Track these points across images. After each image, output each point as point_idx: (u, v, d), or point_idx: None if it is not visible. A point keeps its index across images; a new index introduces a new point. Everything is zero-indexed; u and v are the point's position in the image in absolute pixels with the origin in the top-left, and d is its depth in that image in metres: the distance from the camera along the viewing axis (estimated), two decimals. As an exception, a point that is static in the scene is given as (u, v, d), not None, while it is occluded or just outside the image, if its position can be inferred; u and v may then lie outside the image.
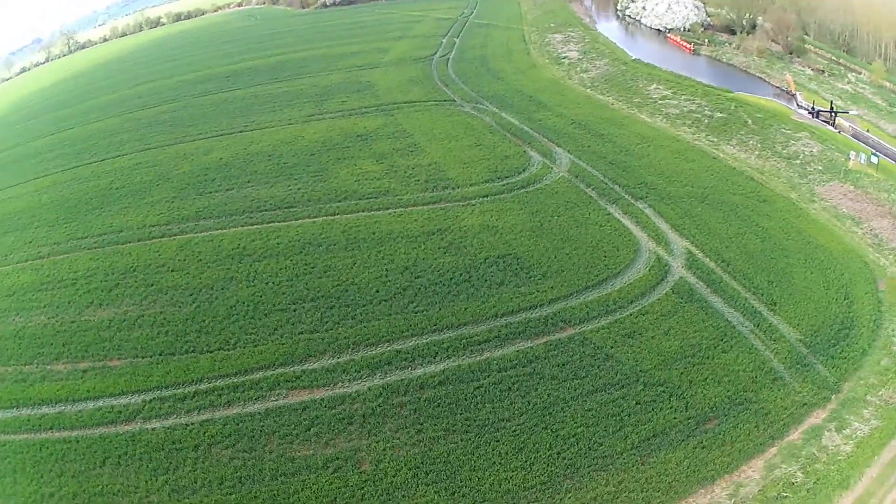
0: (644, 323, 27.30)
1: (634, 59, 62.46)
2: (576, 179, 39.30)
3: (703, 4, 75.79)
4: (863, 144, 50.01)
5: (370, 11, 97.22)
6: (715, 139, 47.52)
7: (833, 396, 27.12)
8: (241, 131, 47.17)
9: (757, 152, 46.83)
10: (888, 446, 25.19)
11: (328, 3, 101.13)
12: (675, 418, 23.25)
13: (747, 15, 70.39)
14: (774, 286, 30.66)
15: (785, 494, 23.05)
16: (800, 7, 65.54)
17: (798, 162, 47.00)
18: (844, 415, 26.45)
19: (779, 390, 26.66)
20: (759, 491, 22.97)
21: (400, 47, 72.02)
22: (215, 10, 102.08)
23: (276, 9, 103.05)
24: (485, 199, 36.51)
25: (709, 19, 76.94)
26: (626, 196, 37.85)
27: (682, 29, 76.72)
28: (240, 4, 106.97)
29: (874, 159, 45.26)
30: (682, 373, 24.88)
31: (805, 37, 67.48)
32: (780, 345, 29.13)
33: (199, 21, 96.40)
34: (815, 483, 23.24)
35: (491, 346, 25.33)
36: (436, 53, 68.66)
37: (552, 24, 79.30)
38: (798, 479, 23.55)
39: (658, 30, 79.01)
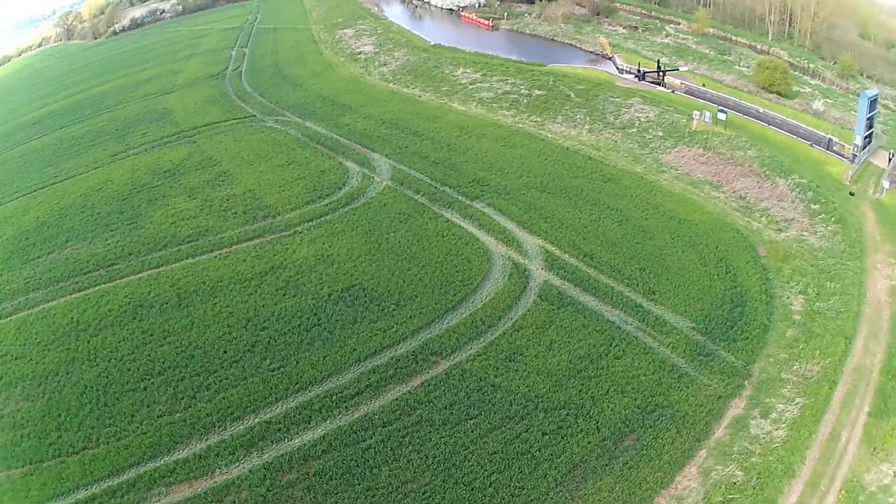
0: (521, 341, 39.69)
1: (434, 45, 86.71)
2: (402, 187, 55.65)
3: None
4: (706, 102, 77.22)
5: (158, 33, 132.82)
6: (539, 119, 68.81)
7: (746, 382, 40.66)
8: (52, 183, 63.82)
9: (587, 127, 68.02)
10: (823, 421, 38.50)
11: (117, 31, 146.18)
12: (590, 443, 33.84)
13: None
14: (647, 273, 48.97)
15: (731, 497, 33.52)
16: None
17: (635, 131, 70.33)
18: (765, 399, 39.66)
19: (688, 388, 39.48)
20: (703, 499, 33.03)
21: (191, 67, 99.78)
22: (19, 55, 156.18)
23: (71, 44, 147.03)
24: (311, 223, 51.36)
25: None
26: (461, 197, 53.92)
27: (477, 5, 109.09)
28: (40, 45, 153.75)
29: (721, 116, 71.48)
30: (580, 391, 36.49)
31: None
32: (673, 338, 43.09)
33: (5, 68, 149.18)
34: (757, 478, 34.66)
35: (365, 397, 35.92)
36: (228, 67, 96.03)
37: (340, 19, 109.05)
38: (739, 478, 34.58)
39: (450, 9, 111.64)
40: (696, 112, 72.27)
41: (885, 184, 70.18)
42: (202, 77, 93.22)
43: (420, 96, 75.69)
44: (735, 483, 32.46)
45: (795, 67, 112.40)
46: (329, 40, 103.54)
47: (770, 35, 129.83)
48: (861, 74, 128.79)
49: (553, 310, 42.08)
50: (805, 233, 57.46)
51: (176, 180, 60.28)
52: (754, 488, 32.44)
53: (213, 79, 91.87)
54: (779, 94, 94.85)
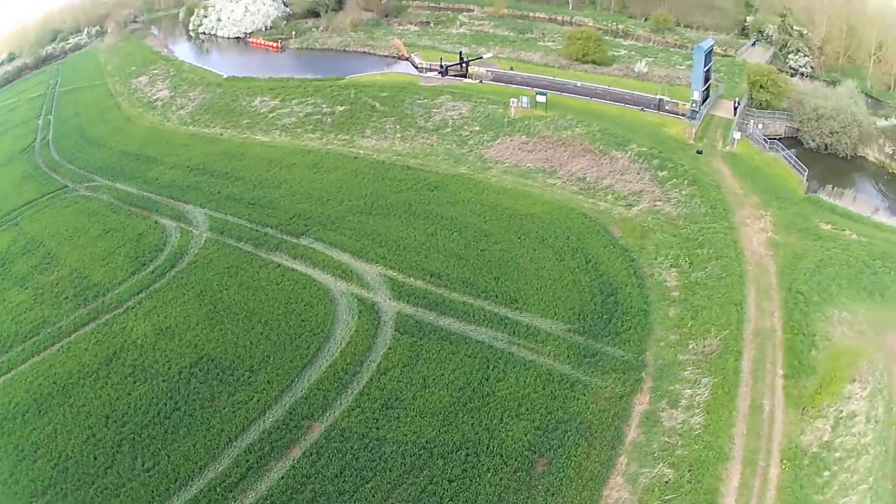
0: (393, 384, 50.31)
1: (227, 78, 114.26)
2: (223, 237, 70.15)
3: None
4: (519, 87, 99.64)
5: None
6: (347, 136, 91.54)
7: (644, 374, 52.56)
8: None
9: (399, 135, 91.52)
10: (739, 396, 50.55)
11: None
12: (501, 479, 43.36)
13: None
14: (503, 281, 61.91)
15: (668, 497, 43.22)
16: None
17: (449, 131, 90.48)
18: (668, 387, 51.47)
19: (584, 395, 50.24)
20: (641, 508, 43.20)
21: (4, 144, 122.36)
22: None
23: None
24: (141, 296, 63.64)
25: (289, 10, 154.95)
26: (286, 237, 68.58)
27: (263, 28, 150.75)
28: None
29: (540, 98, 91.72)
30: (473, 425, 46.90)
31: None
32: (552, 346, 54.35)
33: None
34: (689, 471, 45.04)
35: (250, 482, 44.54)
36: (36, 138, 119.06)
37: (133, 68, 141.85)
38: (670, 476, 44.68)
39: (237, 38, 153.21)
40: (512, 99, 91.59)
41: (737, 135, 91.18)
42: (15, 153, 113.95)
43: (222, 134, 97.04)
44: (667, 482, 42.59)
45: (606, 32, 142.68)
46: (125, 92, 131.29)
47: (570, 4, 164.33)
48: (679, 25, 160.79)
49: (416, 342, 53.50)
50: (658, 202, 73.90)
51: (7, 270, 73.39)
52: (690, 482, 42.47)
53: (24, 153, 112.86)
54: (594, 62, 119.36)
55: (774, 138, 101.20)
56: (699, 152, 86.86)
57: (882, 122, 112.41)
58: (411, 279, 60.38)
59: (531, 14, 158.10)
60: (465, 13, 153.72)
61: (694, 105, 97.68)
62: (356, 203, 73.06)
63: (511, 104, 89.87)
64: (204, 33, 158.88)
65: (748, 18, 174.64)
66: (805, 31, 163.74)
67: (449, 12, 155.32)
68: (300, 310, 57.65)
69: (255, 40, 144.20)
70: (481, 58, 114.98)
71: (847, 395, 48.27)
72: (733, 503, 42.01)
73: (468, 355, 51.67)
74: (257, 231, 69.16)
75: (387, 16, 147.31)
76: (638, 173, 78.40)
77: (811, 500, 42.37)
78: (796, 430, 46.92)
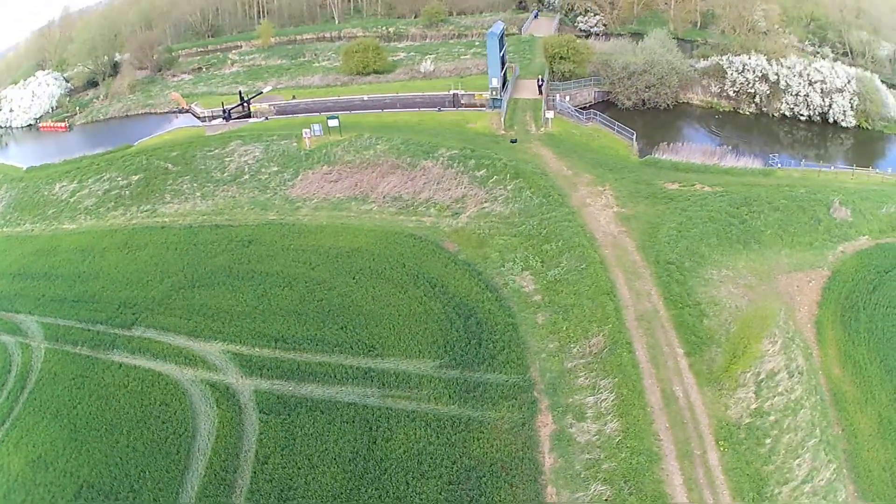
0: (278, 472, 49.30)
1: (27, 169, 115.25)
2: (59, 344, 68.47)
3: (59, 73, 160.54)
4: (308, 115, 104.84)
5: None
6: (149, 206, 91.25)
7: (536, 393, 52.58)
8: None
9: (199, 193, 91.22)
10: (647, 389, 51.17)
11: None
12: None
13: (103, 57, 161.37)
14: (352, 329, 61.15)
15: (617, 516, 43.59)
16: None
17: (247, 177, 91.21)
18: (567, 400, 51.64)
19: (482, 433, 49.43)
20: (591, 539, 42.03)
21: None
22: None
23: None
24: (6, 426, 60.27)
25: (70, 84, 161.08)
26: (118, 331, 67.82)
27: (51, 111, 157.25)
28: None
29: (333, 122, 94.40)
30: (379, 497, 46.49)
31: (171, 45, 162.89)
32: (428, 388, 53.48)
33: None
34: (626, 482, 43.94)
35: None
36: None
37: None
38: (608, 493, 44.14)
39: (28, 125, 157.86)
40: (304, 130, 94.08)
41: (549, 114, 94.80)
42: None
43: (32, 230, 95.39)
44: (607, 500, 42.98)
45: (379, 38, 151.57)
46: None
47: (336, 18, 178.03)
48: (452, 14, 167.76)
49: (285, 420, 52.81)
50: (486, 204, 75.88)
51: None
52: (631, 494, 43.00)
53: None
54: (376, 72, 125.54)
55: (586, 107, 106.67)
56: (513, 141, 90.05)
57: (702, 63, 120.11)
58: (256, 349, 60.29)
59: (299, 37, 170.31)
60: (234, 51, 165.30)
61: (494, 93, 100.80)
62: (176, 279, 73.25)
63: (304, 135, 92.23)
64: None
65: None
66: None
67: (218, 53, 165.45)
68: (156, 411, 56.73)
69: (44, 124, 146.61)
70: (261, 93, 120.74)
71: (759, 356, 50.35)
72: (687, 502, 42.58)
73: (345, 422, 51.44)
74: (90, 331, 68.04)
75: (160, 70, 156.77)
76: (455, 178, 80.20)
77: (763, 473, 43.76)
78: (720, 406, 48.34)
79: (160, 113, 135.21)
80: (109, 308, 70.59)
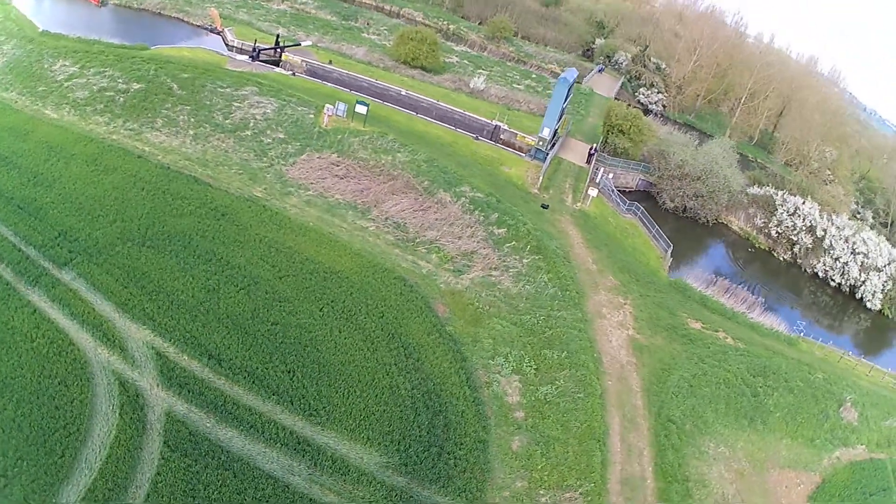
0: None
1: (42, 32, 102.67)
2: None
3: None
4: (335, 86, 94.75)
5: None
6: (135, 126, 79.15)
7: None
8: None
9: (192, 132, 78.43)
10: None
11: None
12: None
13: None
14: (300, 377, 51.15)
15: None
16: None
17: (249, 134, 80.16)
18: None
19: None
20: None
21: None
22: None
23: None
24: None
25: None
26: (48, 264, 57.16)
27: None
28: None
29: (361, 108, 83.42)
30: None
31: None
32: (365, 489, 44.26)
33: None
34: None
35: None
36: None
37: None
38: None
39: None
40: (327, 105, 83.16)
41: (593, 192, 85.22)
42: None
43: (16, 102, 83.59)
44: None
45: (436, 32, 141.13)
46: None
47: None
48: (517, 35, 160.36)
49: (190, 466, 43.21)
50: (495, 272, 66.69)
51: None
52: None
53: None
54: (423, 69, 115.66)
55: (624, 191, 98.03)
56: (545, 206, 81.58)
57: (755, 190, 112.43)
58: (185, 358, 49.95)
59: None
60: None
61: (541, 143, 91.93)
62: (129, 225, 62.34)
63: (325, 111, 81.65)
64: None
65: (597, 41, 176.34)
66: (663, 66, 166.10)
67: None
68: (53, 389, 46.25)
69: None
70: (299, 45, 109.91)
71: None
72: None
73: (257, 498, 41.98)
74: (20, 251, 57.42)
75: None
76: (470, 227, 71.36)
77: None
78: None
79: (192, 24, 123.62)
80: (49, 232, 60.33)
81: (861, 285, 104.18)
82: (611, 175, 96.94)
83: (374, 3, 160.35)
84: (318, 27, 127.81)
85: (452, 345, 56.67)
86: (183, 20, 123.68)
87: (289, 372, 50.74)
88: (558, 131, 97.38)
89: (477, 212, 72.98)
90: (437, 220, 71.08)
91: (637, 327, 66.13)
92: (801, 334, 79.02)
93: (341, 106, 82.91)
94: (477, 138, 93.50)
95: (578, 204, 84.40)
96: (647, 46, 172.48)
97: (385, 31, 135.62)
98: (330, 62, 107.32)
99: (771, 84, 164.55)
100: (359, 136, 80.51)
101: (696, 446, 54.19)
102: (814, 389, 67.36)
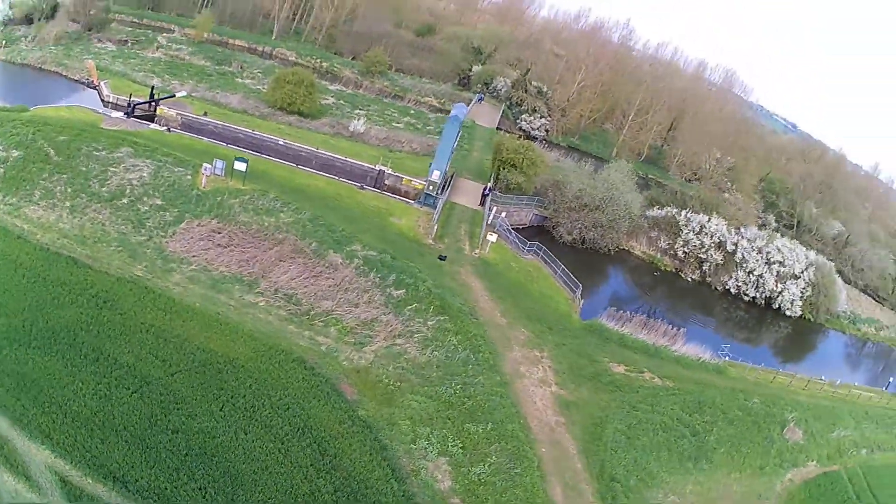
0: None
1: None
2: None
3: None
4: (211, 140, 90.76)
5: None
6: (14, 201, 72.49)
7: None
8: None
9: (69, 203, 72.16)
10: None
11: None
12: None
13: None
14: (215, 496, 45.77)
15: None
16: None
17: (126, 202, 74.00)
18: None
19: None
20: None
21: None
22: None
23: None
24: None
25: (11, 12, 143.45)
26: None
27: None
28: None
29: (240, 166, 78.20)
30: None
31: (111, 4, 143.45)
32: None
33: None
34: None
35: None
36: None
37: None
38: None
39: None
40: (205, 165, 78.08)
41: (492, 237, 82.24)
42: None
43: None
44: None
45: (310, 70, 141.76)
46: None
47: (275, 34, 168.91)
48: (391, 69, 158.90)
49: None
50: (399, 340, 62.62)
51: None
52: None
53: None
54: (300, 114, 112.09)
55: (518, 228, 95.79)
56: (442, 258, 77.87)
57: (655, 212, 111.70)
58: (90, 482, 43.58)
59: (231, 41, 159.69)
60: (165, 34, 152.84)
61: (431, 188, 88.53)
62: (14, 321, 54.65)
63: (203, 171, 76.80)
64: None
65: (474, 68, 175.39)
66: (545, 89, 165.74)
67: (149, 31, 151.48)
68: None
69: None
70: (174, 95, 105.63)
71: None
72: None
73: None
74: None
75: (90, 29, 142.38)
76: (367, 291, 67.05)
77: None
78: None
79: (71, 78, 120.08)
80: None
81: (778, 296, 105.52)
82: (503, 214, 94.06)
83: (247, 45, 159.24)
84: (193, 74, 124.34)
85: (368, 433, 52.22)
86: (62, 74, 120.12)
87: (200, 489, 45.21)
88: (449, 174, 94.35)
89: (372, 273, 68.90)
90: (330, 286, 66.64)
91: (559, 382, 63.59)
92: (727, 358, 79.17)
93: (219, 164, 78.19)
94: (362, 187, 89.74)
95: (477, 251, 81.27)
96: (527, 70, 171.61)
97: (259, 75, 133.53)
98: (205, 113, 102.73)
99: (661, 97, 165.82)
100: (239, 196, 75.98)
101: (645, 501, 53.20)
102: (753, 416, 68.31)
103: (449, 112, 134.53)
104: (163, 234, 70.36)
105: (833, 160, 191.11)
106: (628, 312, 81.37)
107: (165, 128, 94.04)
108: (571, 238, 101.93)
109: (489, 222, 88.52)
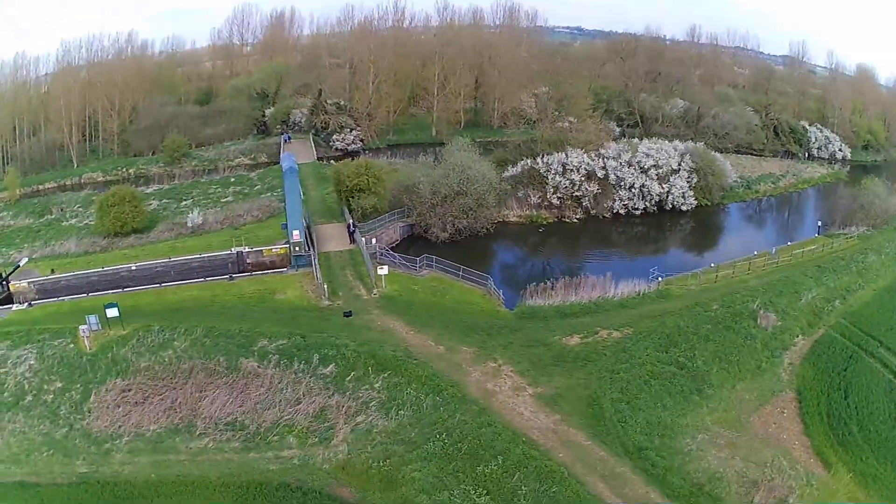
0: None
1: None
2: None
3: None
4: (74, 298, 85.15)
5: None
6: None
7: None
8: None
9: None
10: None
11: None
12: None
13: None
14: None
15: None
16: None
17: (31, 399, 66.61)
18: None
19: None
20: None
21: None
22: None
23: None
24: None
25: None
26: None
27: None
28: None
29: (111, 312, 71.88)
30: None
31: None
32: None
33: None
34: None
35: None
36: None
37: None
38: None
39: None
40: (81, 327, 72.30)
41: (383, 270, 79.34)
42: None
43: None
44: None
45: (120, 181, 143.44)
46: None
47: (75, 161, 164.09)
48: (191, 147, 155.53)
49: None
50: (360, 418, 59.80)
51: None
52: None
53: None
54: (136, 231, 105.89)
55: (392, 247, 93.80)
56: (347, 315, 74.16)
57: (511, 171, 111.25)
58: None
59: (41, 186, 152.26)
60: None
61: (298, 248, 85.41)
62: None
63: (81, 333, 71.23)
64: None
65: (267, 112, 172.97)
66: (342, 102, 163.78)
67: None
68: None
69: None
70: (18, 266, 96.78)
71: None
72: None
73: None
74: None
75: None
76: (300, 384, 63.16)
77: None
78: None
79: None
80: None
81: (667, 196, 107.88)
82: (374, 240, 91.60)
83: (57, 184, 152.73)
84: (24, 237, 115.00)
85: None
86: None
87: None
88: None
89: (294, 363, 65.18)
90: (262, 395, 62.37)
91: (531, 381, 61.96)
92: (660, 279, 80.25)
93: (92, 320, 72.45)
94: (230, 277, 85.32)
95: (375, 291, 78.13)
96: (319, 92, 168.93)
97: (80, 209, 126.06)
98: (52, 271, 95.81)
99: (457, 61, 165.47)
100: (126, 343, 70.62)
101: (680, 451, 53.11)
102: (723, 322, 70.19)
103: (267, 163, 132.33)
104: (80, 416, 64.19)
105: (649, 44, 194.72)
106: (548, 282, 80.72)
107: (27, 304, 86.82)
108: (448, 234, 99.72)
109: (370, 256, 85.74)
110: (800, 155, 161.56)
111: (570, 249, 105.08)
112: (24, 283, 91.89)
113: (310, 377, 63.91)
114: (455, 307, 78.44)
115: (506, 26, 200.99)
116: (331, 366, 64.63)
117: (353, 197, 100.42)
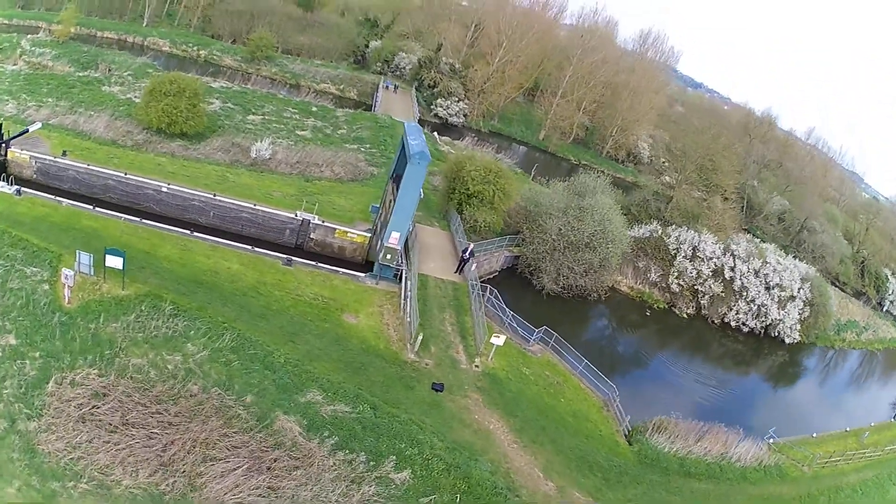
0: None
1: None
2: None
3: None
4: (79, 206, 64.76)
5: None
6: None
7: None
8: None
9: None
10: None
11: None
12: None
13: None
14: None
15: None
16: None
17: None
18: None
19: None
20: None
21: None
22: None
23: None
24: None
25: None
26: None
27: None
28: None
29: (113, 261, 49.93)
30: None
31: None
32: None
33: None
34: None
35: None
36: None
37: None
38: None
39: None
40: (64, 273, 49.52)
41: (499, 340, 56.60)
42: None
43: None
44: None
45: (187, 61, 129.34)
46: None
47: (146, 19, 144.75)
48: (277, 51, 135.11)
49: None
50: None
51: None
52: None
53: None
54: (184, 136, 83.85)
55: (487, 279, 72.87)
56: (437, 388, 51.55)
57: (637, 232, 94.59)
58: None
59: (100, 33, 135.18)
60: (31, 34, 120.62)
61: (390, 256, 62.74)
62: None
63: (63, 279, 48.77)
64: None
65: (371, 44, 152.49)
66: (458, 66, 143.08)
67: (15, 34, 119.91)
68: None
69: None
70: (27, 130, 74.49)
71: None
72: None
73: None
74: None
75: None
76: (354, 483, 41.40)
77: None
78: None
79: None
80: None
81: (779, 323, 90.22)
82: (474, 266, 68.83)
83: (116, 37, 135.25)
84: (54, 89, 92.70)
85: None
86: None
87: None
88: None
89: (354, 450, 43.58)
90: (297, 484, 40.51)
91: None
92: (772, 440, 65.20)
93: (84, 259, 50.70)
94: (289, 261, 62.56)
95: (478, 362, 55.54)
96: (439, 46, 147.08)
97: (130, 79, 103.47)
98: (64, 153, 74.48)
99: (597, 72, 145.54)
100: (121, 314, 48.57)
101: None
102: None
103: (356, 103, 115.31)
104: (28, 411, 41.30)
105: (781, 134, 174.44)
106: (673, 416, 62.10)
107: (14, 190, 64.88)
108: (558, 288, 78.02)
109: (498, 319, 63.28)
110: (874, 302, 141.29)
111: (676, 350, 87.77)
112: (24, 155, 72.05)
113: (374, 482, 42.12)
114: (571, 421, 57.20)
115: (639, 54, 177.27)
116: (406, 472, 43.29)
117: (468, 204, 77.42)
